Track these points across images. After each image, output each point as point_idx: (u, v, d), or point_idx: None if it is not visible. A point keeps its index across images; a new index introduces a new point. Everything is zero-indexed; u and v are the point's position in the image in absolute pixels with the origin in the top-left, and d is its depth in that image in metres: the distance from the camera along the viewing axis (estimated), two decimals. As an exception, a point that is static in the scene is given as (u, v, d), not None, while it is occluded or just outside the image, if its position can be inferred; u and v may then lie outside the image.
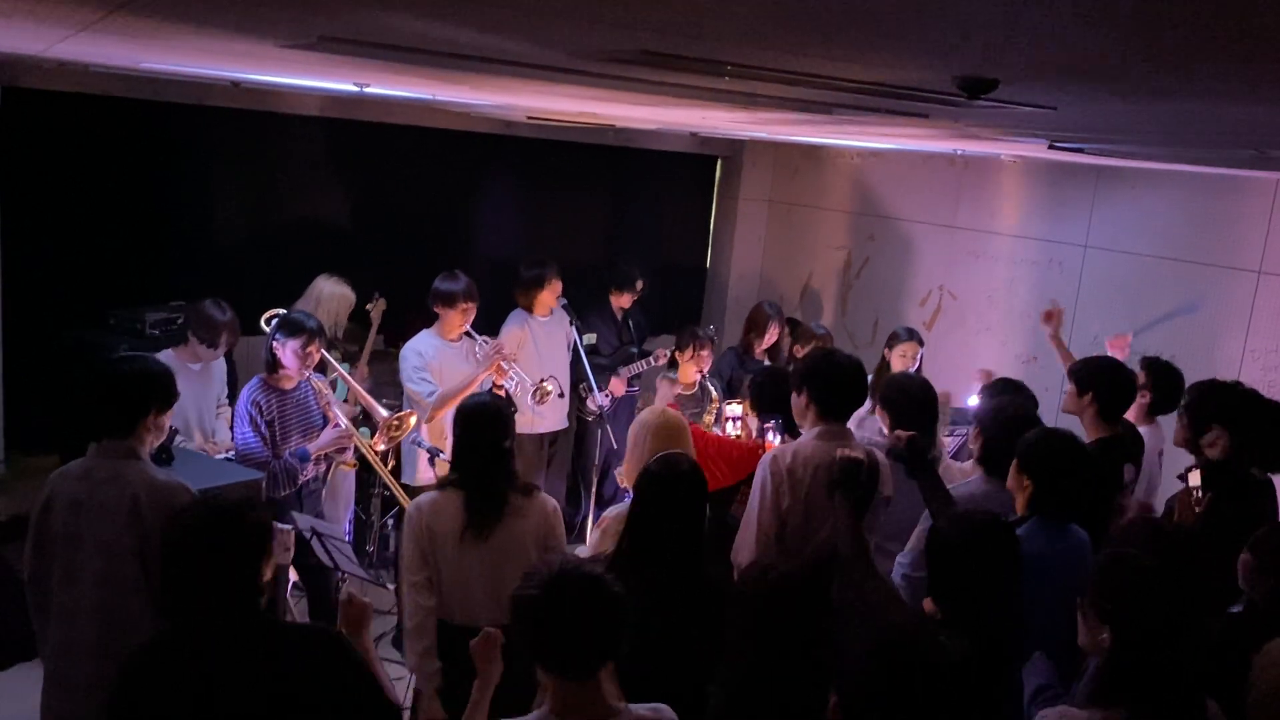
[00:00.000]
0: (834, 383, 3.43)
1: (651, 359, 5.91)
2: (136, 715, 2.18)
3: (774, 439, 3.90)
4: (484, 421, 3.22)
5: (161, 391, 2.92)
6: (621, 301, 6.16)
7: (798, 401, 3.49)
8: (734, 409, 4.89)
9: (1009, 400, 3.83)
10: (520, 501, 3.22)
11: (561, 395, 5.31)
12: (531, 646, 2.05)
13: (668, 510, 2.91)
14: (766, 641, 2.35)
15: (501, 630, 2.41)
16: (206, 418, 4.57)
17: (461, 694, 2.70)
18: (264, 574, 2.27)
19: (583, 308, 5.93)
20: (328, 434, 4.26)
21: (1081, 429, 3.78)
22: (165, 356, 4.56)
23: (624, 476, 3.48)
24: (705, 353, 5.41)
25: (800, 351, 5.69)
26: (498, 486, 3.18)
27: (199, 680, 2.14)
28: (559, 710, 2.04)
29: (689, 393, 5.42)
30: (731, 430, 4.83)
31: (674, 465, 2.97)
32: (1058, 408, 5.79)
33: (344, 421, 4.33)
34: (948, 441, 4.74)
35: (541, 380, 5.13)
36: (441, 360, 4.90)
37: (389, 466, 4.79)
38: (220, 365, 4.72)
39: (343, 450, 4.40)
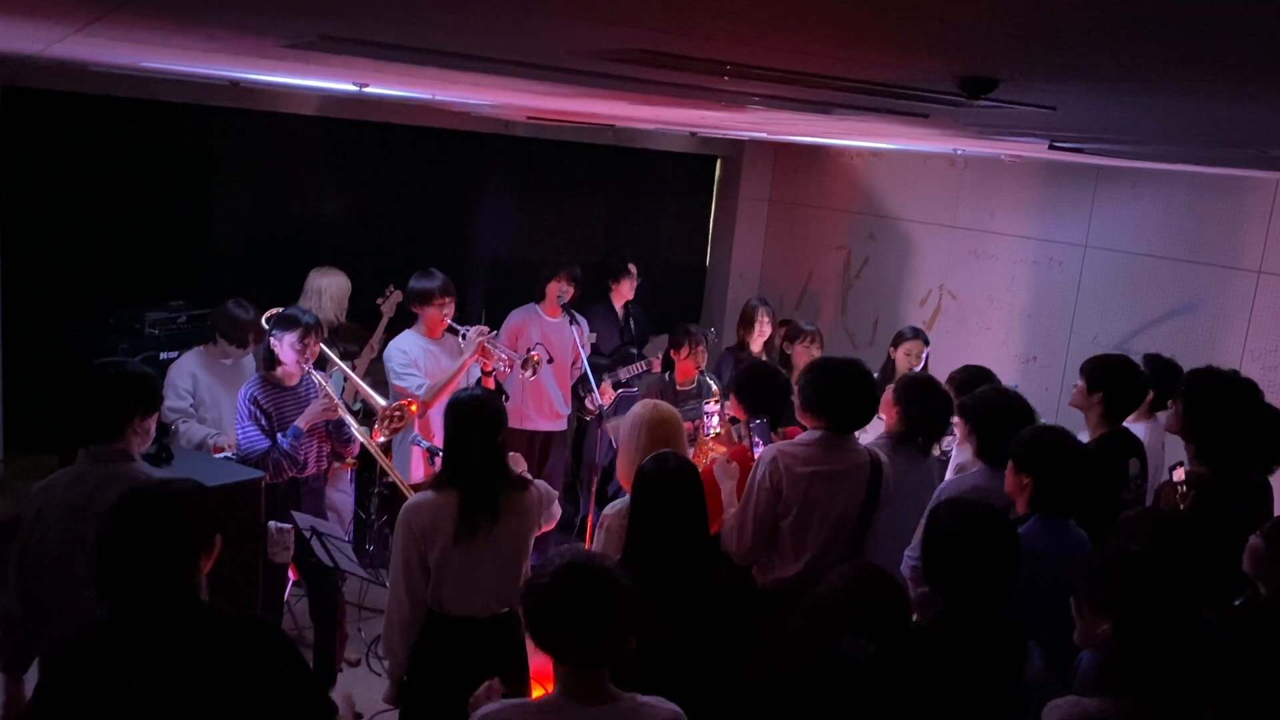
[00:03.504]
0: (837, 401, 3.42)
1: (644, 364, 5.90)
2: (63, 700, 2.18)
3: (759, 441, 3.88)
4: (476, 417, 3.17)
5: (143, 396, 2.90)
6: (621, 291, 6.19)
7: (804, 415, 3.50)
8: (716, 406, 4.88)
9: (990, 389, 3.85)
10: (516, 497, 3.20)
11: (550, 360, 5.28)
12: (539, 635, 2.13)
13: (664, 509, 2.91)
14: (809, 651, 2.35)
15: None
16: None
17: (453, 683, 2.69)
18: (200, 565, 2.26)
19: (583, 307, 5.93)
20: (314, 405, 4.20)
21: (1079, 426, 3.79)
22: (194, 354, 4.65)
23: (620, 474, 3.47)
24: (700, 349, 5.40)
25: (791, 349, 5.69)
26: (491, 484, 3.14)
27: (126, 668, 2.13)
28: (568, 694, 2.14)
29: (687, 389, 5.42)
30: (713, 425, 4.80)
31: (664, 462, 2.97)
32: (1058, 407, 5.80)
33: (344, 411, 4.29)
34: (947, 440, 4.73)
35: (529, 350, 5.11)
36: (427, 359, 4.90)
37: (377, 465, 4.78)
38: (250, 361, 4.74)
39: (346, 444, 4.39)
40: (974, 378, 4.23)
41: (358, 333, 5.50)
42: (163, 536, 2.19)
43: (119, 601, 2.18)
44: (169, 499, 2.25)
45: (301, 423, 4.15)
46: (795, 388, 3.65)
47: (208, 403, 4.56)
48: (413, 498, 3.24)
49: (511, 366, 5.02)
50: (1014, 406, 3.61)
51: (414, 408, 4.56)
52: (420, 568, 3.13)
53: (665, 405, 3.53)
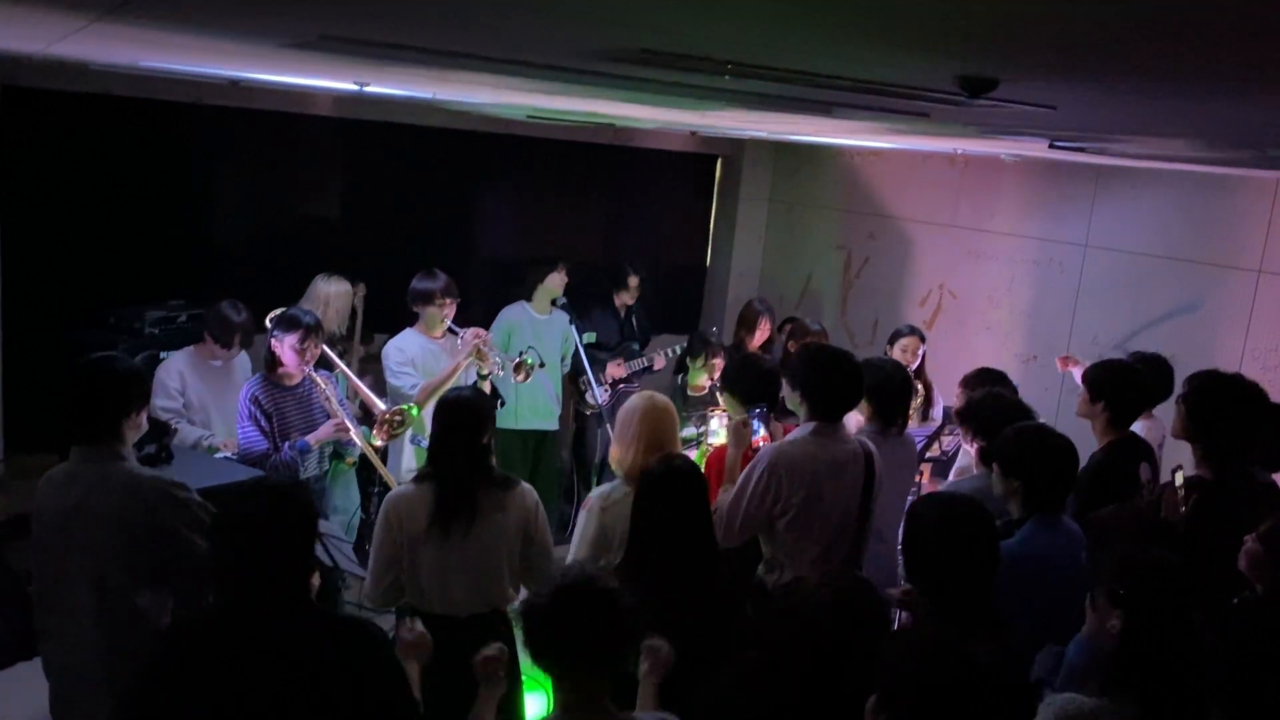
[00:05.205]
0: (826, 383, 3.43)
1: (646, 361, 5.90)
2: (171, 683, 2.19)
3: (760, 429, 3.86)
4: (462, 416, 3.19)
5: (136, 392, 2.89)
6: (623, 299, 6.25)
7: (792, 398, 3.51)
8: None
9: (989, 392, 3.85)
10: (499, 496, 3.20)
11: (542, 365, 5.28)
12: (538, 654, 2.12)
13: (669, 509, 2.91)
14: (812, 651, 2.34)
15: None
16: (231, 413, 4.59)
17: (436, 682, 2.69)
18: (310, 563, 2.29)
19: (584, 305, 5.95)
20: (326, 427, 4.24)
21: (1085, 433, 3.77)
22: (184, 354, 4.64)
23: (613, 460, 3.47)
24: (718, 360, 5.40)
25: (796, 348, 5.70)
26: (469, 482, 3.14)
27: (237, 655, 2.15)
28: (568, 713, 2.11)
29: (699, 395, 5.42)
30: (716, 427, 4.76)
31: (670, 463, 2.97)
32: (1058, 406, 5.80)
33: (346, 417, 4.31)
34: (947, 440, 4.74)
35: (521, 353, 5.10)
36: (425, 358, 4.90)
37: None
38: (244, 362, 4.74)
39: (349, 446, 4.40)
40: (985, 381, 4.23)
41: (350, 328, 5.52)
42: (287, 529, 2.22)
43: (237, 591, 2.20)
44: (293, 495, 2.29)
45: (311, 440, 4.17)
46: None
47: (195, 405, 4.54)
48: (392, 492, 3.26)
49: (506, 369, 5.02)
50: (1013, 409, 3.61)
51: (414, 412, 4.56)
52: (397, 559, 3.13)
53: (661, 397, 3.53)
